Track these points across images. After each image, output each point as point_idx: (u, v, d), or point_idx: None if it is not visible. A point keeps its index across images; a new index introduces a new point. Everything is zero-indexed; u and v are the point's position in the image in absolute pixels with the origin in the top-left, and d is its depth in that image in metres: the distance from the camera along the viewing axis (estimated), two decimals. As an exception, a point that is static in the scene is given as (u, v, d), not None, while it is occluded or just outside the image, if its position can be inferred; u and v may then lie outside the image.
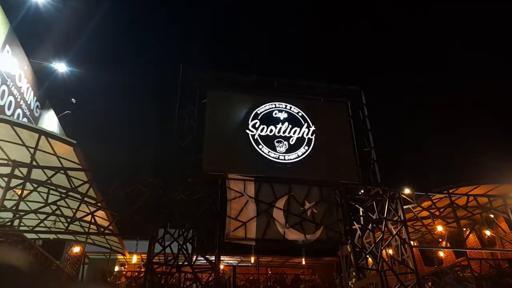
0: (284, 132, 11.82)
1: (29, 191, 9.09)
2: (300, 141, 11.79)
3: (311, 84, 13.05)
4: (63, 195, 9.48)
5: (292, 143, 11.70)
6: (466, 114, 28.87)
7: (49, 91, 15.59)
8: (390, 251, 13.03)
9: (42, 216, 10.46)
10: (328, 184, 11.09)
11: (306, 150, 11.67)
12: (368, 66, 39.67)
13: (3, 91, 11.60)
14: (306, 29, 44.75)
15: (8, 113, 11.92)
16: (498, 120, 26.43)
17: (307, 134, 11.94)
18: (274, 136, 11.69)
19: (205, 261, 9.63)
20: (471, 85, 30.41)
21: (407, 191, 11.54)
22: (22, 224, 11.58)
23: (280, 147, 11.55)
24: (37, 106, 14.48)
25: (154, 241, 9.07)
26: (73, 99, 17.45)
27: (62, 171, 9.39)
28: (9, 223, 8.79)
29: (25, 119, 12.99)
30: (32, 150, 9.10)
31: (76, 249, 16.15)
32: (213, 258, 9.54)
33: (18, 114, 12.72)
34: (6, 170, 8.86)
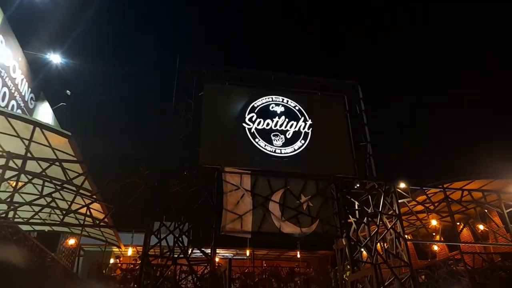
0: (280, 125, 11.81)
1: (23, 183, 9.04)
2: (296, 135, 11.78)
3: (309, 78, 13.01)
4: (58, 187, 9.43)
5: (288, 136, 11.69)
6: (466, 114, 29.02)
7: (43, 83, 15.43)
8: (385, 245, 13.14)
9: (37, 208, 10.43)
10: (324, 178, 11.11)
11: (303, 144, 11.67)
12: (368, 66, 39.70)
13: (-3, 82, 11.47)
14: (306, 29, 44.67)
15: (2, 104, 11.80)
16: (498, 120, 26.61)
17: (303, 128, 11.93)
18: (271, 130, 11.67)
19: (200, 253, 9.65)
20: (471, 85, 30.54)
21: (402, 185, 11.60)
22: (16, 216, 11.51)
23: (276, 140, 11.54)
24: (31, 98, 14.33)
25: (149, 234, 9.08)
26: (68, 91, 17.29)
27: (57, 163, 9.32)
28: (3, 215, 8.73)
29: (19, 111, 12.86)
30: (26, 142, 9.02)
31: (71, 241, 16.11)
32: (208, 250, 9.55)
33: (13, 106, 12.59)
34: (1, 161, 8.77)
